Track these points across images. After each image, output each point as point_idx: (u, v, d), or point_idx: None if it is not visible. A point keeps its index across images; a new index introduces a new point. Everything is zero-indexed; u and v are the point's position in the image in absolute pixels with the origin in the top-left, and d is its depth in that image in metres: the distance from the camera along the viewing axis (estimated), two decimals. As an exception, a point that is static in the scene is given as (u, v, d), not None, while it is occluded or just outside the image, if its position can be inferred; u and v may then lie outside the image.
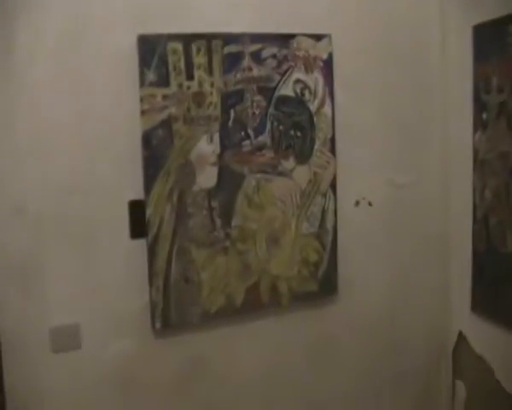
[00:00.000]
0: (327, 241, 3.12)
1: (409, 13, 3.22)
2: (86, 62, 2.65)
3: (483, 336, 3.21)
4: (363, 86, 3.14)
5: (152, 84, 2.70)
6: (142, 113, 2.69)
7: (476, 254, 3.20)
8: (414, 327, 3.38)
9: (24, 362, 2.66)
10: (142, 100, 2.69)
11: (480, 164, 3.14)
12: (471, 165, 3.18)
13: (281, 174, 2.99)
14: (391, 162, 3.25)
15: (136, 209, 2.77)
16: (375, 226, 3.25)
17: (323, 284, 3.13)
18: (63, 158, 2.65)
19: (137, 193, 2.76)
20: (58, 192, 2.65)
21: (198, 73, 2.77)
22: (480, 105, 3.11)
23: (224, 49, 2.81)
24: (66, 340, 2.72)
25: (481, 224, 3.15)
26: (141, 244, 2.78)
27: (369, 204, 3.20)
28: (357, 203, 3.18)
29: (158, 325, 2.82)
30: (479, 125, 3.13)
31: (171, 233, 2.79)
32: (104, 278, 2.75)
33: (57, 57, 2.62)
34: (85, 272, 2.72)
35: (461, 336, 3.35)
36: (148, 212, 2.74)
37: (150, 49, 2.69)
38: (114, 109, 2.71)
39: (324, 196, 3.08)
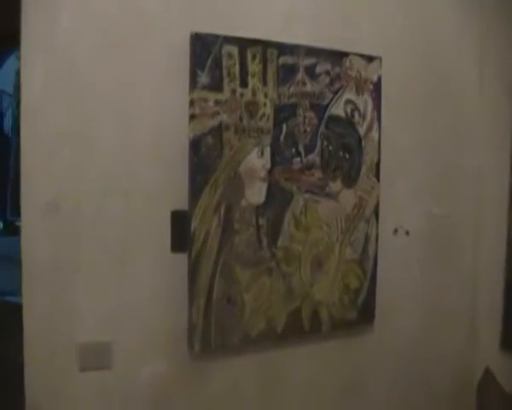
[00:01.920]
0: (368, 268, 2.33)
1: (450, 45, 2.52)
2: (133, 56, 1.91)
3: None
4: (407, 113, 2.42)
5: (204, 88, 1.94)
6: (193, 117, 1.93)
7: (509, 290, 2.50)
8: (442, 360, 2.58)
9: (48, 377, 1.85)
10: (192, 103, 1.92)
11: (518, 197, 2.50)
12: (507, 200, 2.50)
13: (328, 196, 2.22)
14: (429, 192, 2.50)
15: (179, 220, 1.97)
16: (410, 256, 2.47)
17: (362, 312, 2.33)
18: (104, 156, 1.89)
19: (181, 203, 1.97)
20: (96, 192, 1.88)
21: (252, 81, 2.03)
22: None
23: (280, 59, 2.07)
24: (95, 358, 1.90)
25: (517, 259, 2.50)
26: (182, 259, 1.98)
27: (407, 233, 2.44)
28: (396, 231, 2.42)
29: (197, 347, 2.00)
30: (518, 156, 2.50)
31: (217, 249, 1.99)
32: (140, 293, 1.94)
33: (102, 47, 1.87)
34: (120, 285, 1.93)
35: (488, 372, 2.59)
36: (194, 224, 1.95)
37: (205, 49, 1.94)
38: (162, 110, 1.95)
39: (368, 221, 2.32)
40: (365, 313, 2.34)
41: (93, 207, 1.88)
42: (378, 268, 2.35)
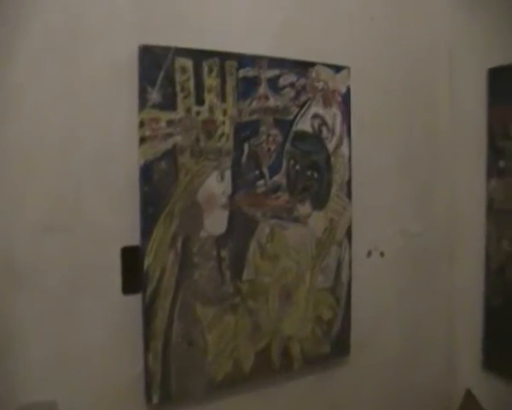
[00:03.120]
0: (341, 296, 2.11)
1: (420, 55, 2.32)
2: (74, 72, 1.64)
3: (497, 395, 2.25)
4: (378, 127, 2.20)
5: (155, 106, 1.68)
6: (143, 140, 1.67)
7: (490, 309, 2.27)
8: (422, 386, 2.36)
9: None
10: (142, 124, 1.67)
11: (496, 213, 2.27)
12: (483, 214, 2.32)
13: (296, 221, 1.99)
14: (402, 210, 2.30)
15: (131, 258, 1.71)
16: (385, 279, 2.26)
17: (336, 345, 2.10)
18: (42, 186, 1.61)
19: (132, 238, 1.71)
20: (33, 229, 1.59)
21: (209, 98, 1.78)
22: (496, 151, 2.24)
23: (239, 72, 1.84)
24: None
25: (497, 276, 2.28)
26: (135, 300, 1.72)
27: (381, 255, 2.23)
28: (370, 254, 2.21)
29: (155, 399, 1.73)
30: (494, 172, 2.25)
31: (174, 287, 1.74)
32: (89, 343, 1.67)
33: (40, 61, 1.59)
34: (64, 334, 1.64)
35: (469, 395, 2.41)
36: (147, 261, 1.69)
37: (155, 63, 1.68)
38: (108, 133, 1.69)
39: (340, 245, 2.09)
40: (340, 346, 2.12)
41: (30, 247, 1.59)
42: (352, 295, 2.15)
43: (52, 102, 1.61)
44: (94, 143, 1.67)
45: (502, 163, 2.24)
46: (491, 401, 2.31)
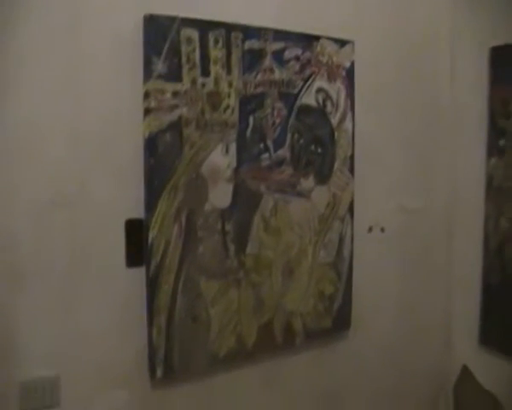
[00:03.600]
0: (343, 271, 2.09)
1: (423, 33, 2.28)
2: (77, 43, 1.57)
3: (492, 370, 2.27)
4: (381, 103, 2.17)
5: (161, 77, 1.63)
6: (148, 112, 1.62)
7: (488, 286, 2.27)
8: (419, 361, 2.38)
9: None
10: (147, 95, 1.62)
11: (495, 191, 2.25)
12: (483, 192, 2.30)
13: (299, 195, 1.96)
14: (403, 186, 2.27)
15: (135, 231, 1.68)
16: (386, 255, 2.25)
17: (337, 320, 2.09)
18: (43, 160, 1.55)
19: (136, 211, 1.67)
20: (35, 204, 1.54)
21: (215, 69, 1.74)
22: (496, 130, 2.22)
23: (245, 43, 1.79)
24: (41, 396, 1.58)
25: (495, 254, 2.28)
26: (139, 274, 1.69)
27: (382, 230, 2.21)
28: (371, 229, 2.19)
29: (159, 373, 1.71)
30: (494, 151, 2.24)
31: (178, 261, 1.71)
32: (92, 317, 1.64)
33: (40, 34, 1.52)
34: (68, 309, 1.61)
35: (465, 371, 2.41)
36: (152, 235, 1.66)
37: (160, 33, 1.63)
38: (112, 104, 1.63)
39: (342, 220, 2.07)
40: (341, 321, 2.11)
41: (32, 221, 1.55)
42: (353, 271, 2.13)
43: (55, 75, 1.56)
44: (98, 115, 1.62)
45: (502, 142, 2.23)
46: (487, 376, 2.33)
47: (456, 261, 2.42)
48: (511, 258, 2.20)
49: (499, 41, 2.21)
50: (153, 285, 1.68)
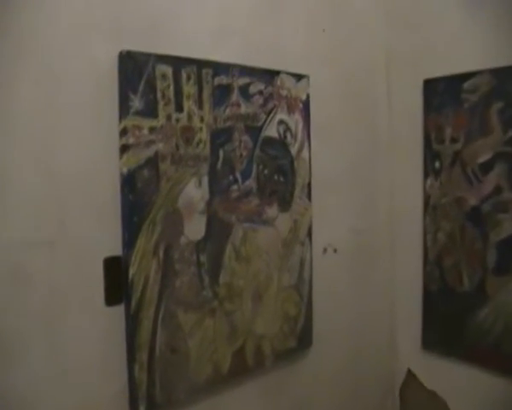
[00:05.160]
0: (304, 292, 2.13)
1: (362, 66, 2.40)
2: (51, 79, 1.49)
3: (434, 371, 2.42)
4: (332, 133, 2.25)
5: (138, 113, 1.59)
6: (125, 148, 1.57)
7: (428, 294, 2.42)
8: (368, 368, 2.48)
9: None
10: (125, 132, 1.57)
11: (432, 209, 2.40)
12: (421, 210, 2.44)
13: (265, 223, 1.98)
14: (351, 209, 2.37)
15: (113, 268, 1.61)
16: (338, 273, 2.32)
17: (301, 339, 2.14)
18: (20, 200, 1.45)
19: (115, 248, 1.61)
20: (12, 244, 1.44)
21: (187, 105, 1.72)
22: (431, 154, 2.37)
23: (215, 79, 1.79)
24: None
25: (434, 265, 2.42)
26: (118, 312, 1.62)
27: (335, 251, 2.28)
28: (325, 251, 2.25)
29: (142, 408, 1.66)
30: (430, 172, 2.39)
31: (157, 296, 1.66)
32: (71, 357, 1.54)
33: (16, 72, 1.43)
34: (47, 351, 1.51)
35: (410, 374, 2.54)
36: (132, 271, 1.60)
37: (136, 70, 1.59)
38: (88, 142, 1.56)
39: (302, 244, 2.12)
40: (304, 339, 2.15)
41: (9, 262, 1.44)
42: (313, 291, 2.18)
43: (28, 113, 1.46)
44: (74, 153, 1.54)
45: (437, 164, 2.38)
46: (430, 378, 2.48)
47: (400, 273, 2.55)
48: (449, 268, 2.35)
49: (432, 74, 2.39)
50: (134, 322, 1.62)
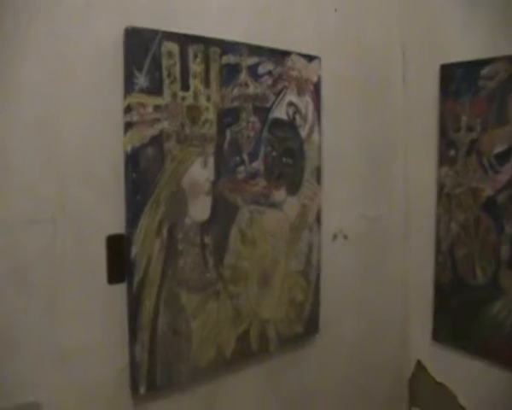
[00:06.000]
0: (312, 278, 2.07)
1: (377, 48, 2.31)
2: (55, 56, 1.45)
3: (445, 364, 2.35)
4: (343, 116, 2.18)
5: (143, 91, 1.55)
6: (129, 125, 1.53)
7: (440, 285, 2.34)
8: (378, 358, 2.41)
9: None
10: (129, 109, 1.53)
11: (446, 198, 2.32)
12: (435, 199, 2.36)
13: (272, 206, 1.93)
14: (364, 195, 2.30)
15: (116, 246, 1.58)
16: (348, 261, 2.26)
17: (307, 325, 2.08)
18: (21, 176, 1.42)
19: (118, 226, 1.58)
20: (14, 221, 1.41)
21: (194, 84, 1.67)
22: (447, 142, 2.28)
23: (223, 58, 1.74)
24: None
25: (446, 256, 2.34)
26: (120, 290, 1.59)
27: (345, 237, 2.22)
28: (335, 237, 2.19)
29: (142, 389, 1.62)
30: (445, 161, 2.30)
31: (160, 276, 1.62)
32: (72, 336, 1.51)
33: (20, 48, 1.39)
34: (47, 329, 1.48)
35: (419, 365, 2.46)
36: (135, 250, 1.56)
37: (142, 46, 1.54)
38: (92, 119, 1.52)
39: (311, 229, 2.05)
40: (310, 326, 2.10)
41: (11, 243, 1.42)
42: (321, 277, 2.13)
43: (31, 89, 1.42)
44: (77, 130, 1.51)
45: (452, 153, 2.31)
46: (440, 370, 2.41)
47: (411, 263, 2.48)
48: (461, 259, 2.27)
49: (450, 59, 2.30)
50: (136, 301, 1.59)
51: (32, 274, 1.46)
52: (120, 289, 1.60)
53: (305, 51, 1.99)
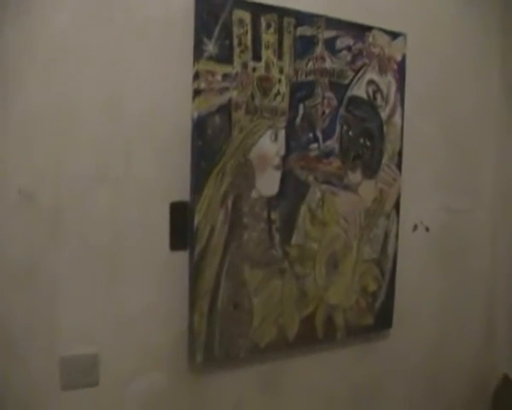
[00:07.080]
0: (387, 268, 1.93)
1: (473, 25, 2.11)
2: (124, 21, 1.46)
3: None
4: (430, 99, 2.01)
5: (212, 58, 1.51)
6: (197, 92, 1.50)
7: None
8: (457, 364, 2.20)
9: (27, 400, 1.40)
10: (197, 76, 1.49)
11: (545, 194, 2.15)
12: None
13: (346, 188, 1.81)
14: (448, 186, 2.10)
15: (180, 213, 1.55)
16: (429, 254, 2.07)
17: (379, 317, 1.93)
18: (89, 137, 1.43)
19: (182, 193, 1.54)
20: (80, 179, 1.43)
21: (266, 54, 1.60)
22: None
23: (297, 30, 1.65)
24: (80, 374, 1.47)
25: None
26: (182, 258, 1.56)
27: (427, 229, 2.05)
28: (416, 228, 2.03)
29: (199, 358, 1.58)
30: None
31: (223, 247, 1.57)
32: (133, 297, 1.52)
33: (87, 10, 1.42)
34: (109, 289, 1.49)
35: (506, 380, 2.21)
36: (197, 218, 1.53)
37: (212, 13, 1.51)
38: (160, 84, 1.51)
39: (388, 217, 1.91)
40: (383, 318, 1.94)
41: (77, 199, 1.43)
42: (397, 268, 1.97)
43: (100, 54, 1.44)
44: (144, 95, 1.50)
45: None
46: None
47: (500, 264, 2.23)
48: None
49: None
50: (196, 270, 1.55)
51: (97, 231, 1.47)
52: (182, 256, 1.57)
53: (388, 27, 1.86)
